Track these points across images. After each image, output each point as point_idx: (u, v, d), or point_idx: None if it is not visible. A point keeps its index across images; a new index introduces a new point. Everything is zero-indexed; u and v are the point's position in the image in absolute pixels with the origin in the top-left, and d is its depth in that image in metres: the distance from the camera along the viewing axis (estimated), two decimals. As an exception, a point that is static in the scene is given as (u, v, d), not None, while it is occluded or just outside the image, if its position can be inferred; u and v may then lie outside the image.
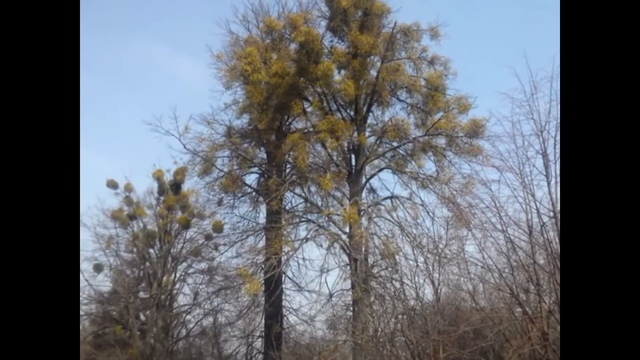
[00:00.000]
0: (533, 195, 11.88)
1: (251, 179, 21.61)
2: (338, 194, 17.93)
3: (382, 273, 16.79)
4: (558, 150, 11.57)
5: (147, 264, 25.22)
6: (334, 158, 17.76)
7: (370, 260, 16.93)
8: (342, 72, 17.93)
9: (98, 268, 25.40)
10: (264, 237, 19.52)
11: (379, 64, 17.55)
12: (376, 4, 17.35)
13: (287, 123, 20.46)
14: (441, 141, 17.45)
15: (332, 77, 17.49)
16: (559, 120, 11.61)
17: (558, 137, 11.61)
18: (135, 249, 25.40)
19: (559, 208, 11.31)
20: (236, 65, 19.27)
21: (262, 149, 21.28)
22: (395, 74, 17.46)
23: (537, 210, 11.73)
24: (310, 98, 18.35)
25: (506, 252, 12.27)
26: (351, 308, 16.54)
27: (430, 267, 14.52)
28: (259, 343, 22.29)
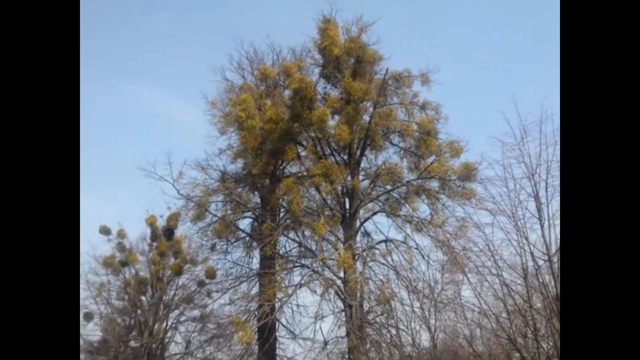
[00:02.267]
0: (527, 239, 11.87)
1: (245, 223, 21.51)
2: (332, 238, 17.82)
3: (378, 319, 16.50)
4: (550, 194, 11.67)
5: (139, 311, 24.73)
6: (328, 202, 17.75)
7: (366, 306, 16.67)
8: (336, 117, 18.18)
9: (88, 317, 24.90)
10: (258, 283, 19.24)
11: (371, 109, 17.84)
12: (368, 52, 17.79)
13: (281, 168, 20.55)
14: (434, 184, 17.55)
15: (327, 123, 17.71)
16: (549, 164, 11.78)
17: (549, 180, 11.75)
18: (126, 297, 24.95)
19: (553, 251, 11.29)
20: (231, 112, 19.49)
21: (256, 193, 21.28)
22: (388, 119, 17.74)
23: (532, 253, 11.70)
24: (304, 143, 18.51)
25: (502, 297, 12.14)
26: (347, 356, 16.14)
27: (427, 313, 14.35)
28: (253, 393, 21.57)
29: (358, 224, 17.94)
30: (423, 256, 16.55)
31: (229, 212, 20.57)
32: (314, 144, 18.16)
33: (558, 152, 11.61)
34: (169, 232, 25.28)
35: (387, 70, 17.80)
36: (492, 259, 12.41)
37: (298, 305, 19.00)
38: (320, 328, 17.21)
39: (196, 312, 24.94)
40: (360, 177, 18.19)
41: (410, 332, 14.88)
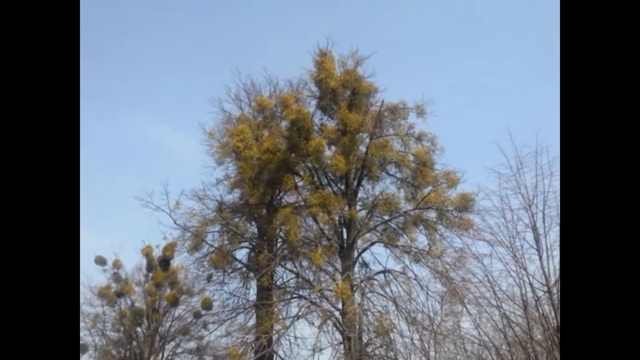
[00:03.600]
0: (525, 270, 11.87)
1: (242, 254, 21.39)
2: (330, 269, 17.74)
3: (377, 351, 16.31)
4: (547, 224, 11.74)
5: (134, 343, 24.41)
6: (326, 232, 17.75)
7: (365, 338, 16.49)
8: (333, 148, 18.33)
9: (83, 348, 24.57)
10: (255, 315, 19.04)
11: (367, 140, 18.02)
12: (363, 84, 18.08)
13: (279, 198, 20.56)
14: (432, 215, 17.58)
15: (323, 153, 17.85)
16: (546, 195, 11.89)
17: (547, 211, 11.83)
18: (122, 328, 24.66)
19: (552, 282, 11.30)
20: (228, 142, 19.63)
21: (253, 223, 21.22)
22: (384, 150, 17.90)
23: (531, 284, 11.70)
24: (301, 173, 18.61)
25: (502, 329, 12.08)
26: (346, 389, 15.88)
27: (426, 345, 14.22)
28: None
29: (356, 254, 17.90)
30: (422, 287, 16.49)
31: (226, 242, 20.48)
32: (311, 174, 18.25)
33: (554, 183, 11.75)
34: (165, 262, 25.15)
35: (382, 102, 18.07)
36: (491, 290, 12.39)
37: (296, 337, 18.78)
38: (319, 360, 17.02)
39: (192, 344, 24.68)
40: (358, 207, 18.23)
41: (410, 364, 14.73)
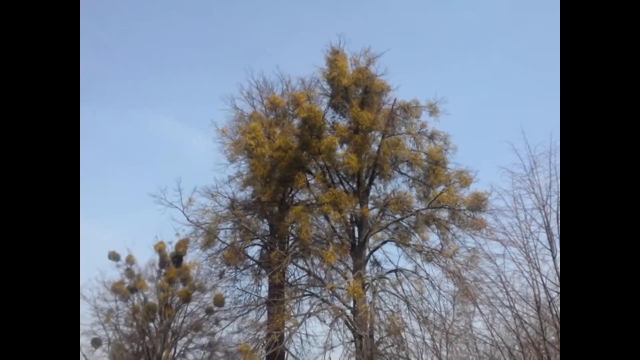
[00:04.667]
0: (539, 270, 11.81)
1: (254, 251, 21.49)
2: (341, 267, 17.76)
3: (389, 350, 16.32)
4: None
5: (147, 338, 24.64)
6: (337, 230, 17.75)
7: (376, 336, 16.49)
8: (345, 146, 18.31)
9: (96, 342, 24.87)
10: (266, 312, 19.14)
11: (379, 138, 17.95)
12: (376, 82, 18.00)
13: (290, 195, 20.62)
14: (444, 214, 17.50)
15: (335, 151, 17.84)
16: (559, 195, 11.79)
17: (560, 212, 11.73)
18: (135, 323, 24.90)
19: (566, 283, 11.20)
20: (240, 140, 19.68)
21: (265, 221, 21.30)
22: (396, 148, 17.83)
23: (544, 285, 11.63)
24: (313, 171, 18.61)
25: (515, 329, 12.03)
26: (357, 387, 15.92)
27: (438, 344, 14.22)
28: None
29: (367, 252, 17.88)
30: (434, 286, 16.45)
31: (238, 239, 20.58)
32: (322, 172, 18.26)
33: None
34: (177, 258, 25.34)
35: (395, 100, 17.99)
36: (504, 290, 12.35)
37: (307, 335, 18.81)
38: (330, 358, 17.04)
39: (204, 340, 24.85)
40: (369, 206, 18.19)
41: (421, 363, 14.74)
